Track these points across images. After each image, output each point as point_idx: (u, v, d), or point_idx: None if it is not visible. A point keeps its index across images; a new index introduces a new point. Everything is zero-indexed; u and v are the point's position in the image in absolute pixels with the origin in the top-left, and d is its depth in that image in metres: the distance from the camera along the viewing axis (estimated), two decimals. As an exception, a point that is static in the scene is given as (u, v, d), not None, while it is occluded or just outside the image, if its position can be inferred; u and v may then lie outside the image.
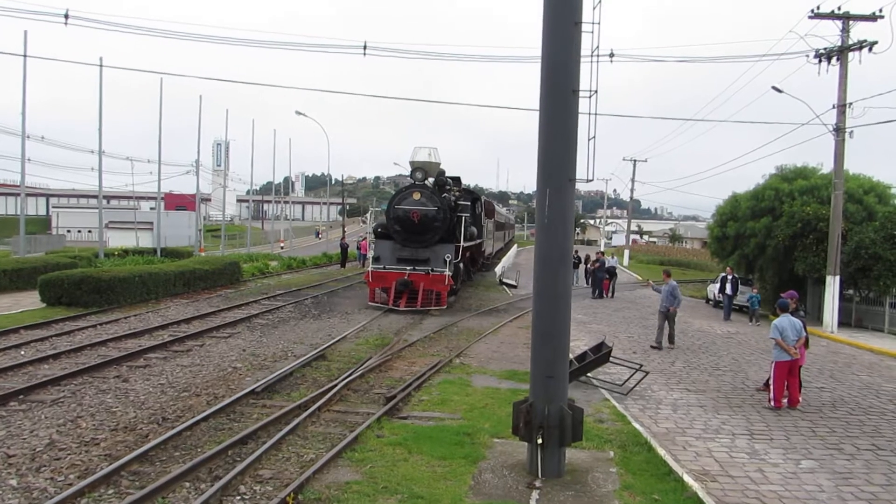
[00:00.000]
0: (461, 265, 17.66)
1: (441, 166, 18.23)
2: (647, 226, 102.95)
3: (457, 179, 21.11)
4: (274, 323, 13.48)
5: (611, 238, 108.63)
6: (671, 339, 12.02)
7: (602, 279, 21.48)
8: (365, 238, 29.50)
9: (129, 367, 9.23)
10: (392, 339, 12.19)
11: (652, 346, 11.92)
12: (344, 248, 29.83)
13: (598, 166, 5.77)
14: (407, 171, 18.20)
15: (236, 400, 7.64)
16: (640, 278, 33.05)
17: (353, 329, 12.98)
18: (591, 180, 5.62)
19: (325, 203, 78.96)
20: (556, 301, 5.67)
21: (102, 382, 8.41)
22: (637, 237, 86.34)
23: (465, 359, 10.73)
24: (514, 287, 24.27)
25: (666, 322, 12.00)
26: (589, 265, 24.54)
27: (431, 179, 18.15)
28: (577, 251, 25.28)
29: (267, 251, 41.02)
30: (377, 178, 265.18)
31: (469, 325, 14.35)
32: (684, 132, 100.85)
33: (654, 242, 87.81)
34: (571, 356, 9.25)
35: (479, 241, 21.98)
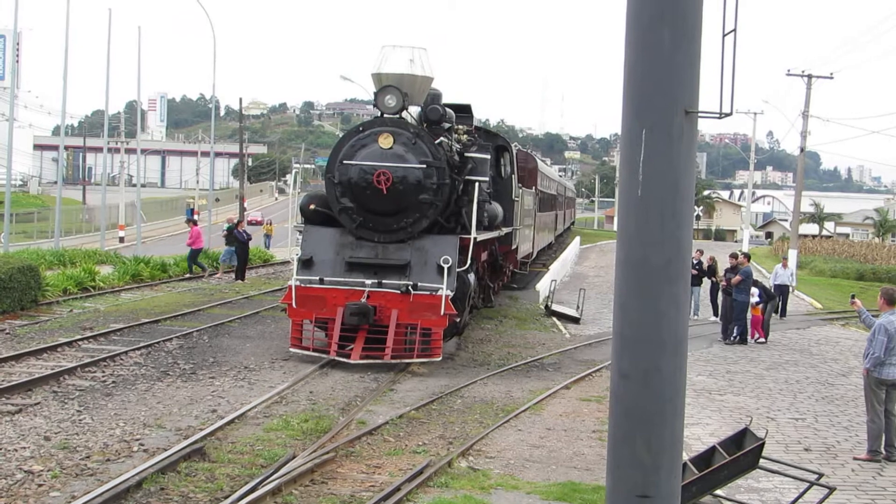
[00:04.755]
0: (472, 276, 17.72)
1: (434, 84, 18.28)
2: (833, 203, 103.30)
3: (463, 110, 21.17)
4: (105, 386, 13.54)
5: (764, 226, 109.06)
6: (889, 444, 11.91)
7: (745, 307, 21.54)
8: (237, 222, 29.98)
9: None
10: (336, 419, 12.26)
11: (860, 458, 11.81)
12: (242, 240, 29.97)
13: (739, 89, 5.76)
14: (363, 91, 18.23)
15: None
16: (819, 305, 33.16)
17: (261, 400, 13.03)
18: (726, 114, 5.61)
19: (205, 153, 79.04)
20: (657, 351, 5.66)
21: None
22: (809, 226, 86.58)
23: (479, 460, 10.78)
24: (575, 321, 24.34)
25: (885, 399, 11.85)
26: (718, 279, 24.64)
27: (416, 110, 18.16)
28: (698, 254, 25.35)
29: (93, 245, 41.06)
30: (308, 105, 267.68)
31: (486, 395, 14.41)
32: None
33: (847, 236, 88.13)
34: (687, 457, 9.22)
35: (506, 229, 22.03)
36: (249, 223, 35.77)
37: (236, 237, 30.09)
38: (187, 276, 29.56)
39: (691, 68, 5.47)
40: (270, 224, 50.21)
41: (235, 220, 33.12)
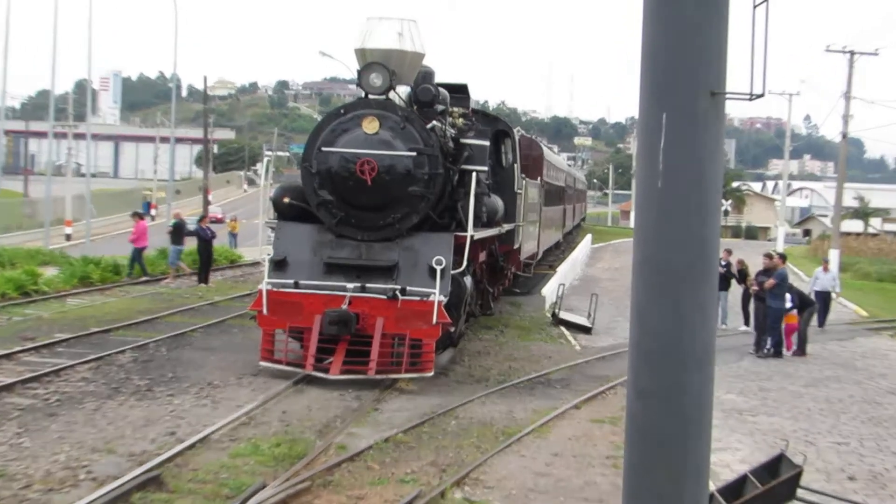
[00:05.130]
0: (469, 279, 17.72)
1: (426, 61, 18.27)
2: (880, 197, 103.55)
3: (459, 90, 21.17)
4: (49, 405, 13.50)
5: (801, 223, 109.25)
6: None
7: (780, 315, 21.57)
8: (200, 217, 29.98)
9: None
10: (312, 443, 12.26)
11: None
12: (206, 238, 30.00)
13: (772, 67, 5.76)
14: (345, 69, 18.21)
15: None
16: (864, 313, 33.22)
17: (227, 421, 13.01)
18: (758, 95, 5.61)
19: (164, 139, 78.95)
20: (680, 365, 5.66)
21: None
22: (853, 222, 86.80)
23: (476, 490, 10.78)
24: (586, 331, 24.35)
25: None
26: (749, 284, 24.68)
27: (405, 90, 18.18)
28: (725, 254, 25.36)
29: (36, 243, 41.00)
30: (282, 85, 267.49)
31: (484, 415, 14.41)
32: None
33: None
34: (715, 487, 9.23)
35: (507, 226, 22.03)
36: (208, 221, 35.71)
37: (198, 234, 30.10)
38: (143, 278, 29.54)
39: (718, 44, 5.47)
40: (236, 220, 50.27)
41: (183, 217, 33.07)
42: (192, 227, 32.27)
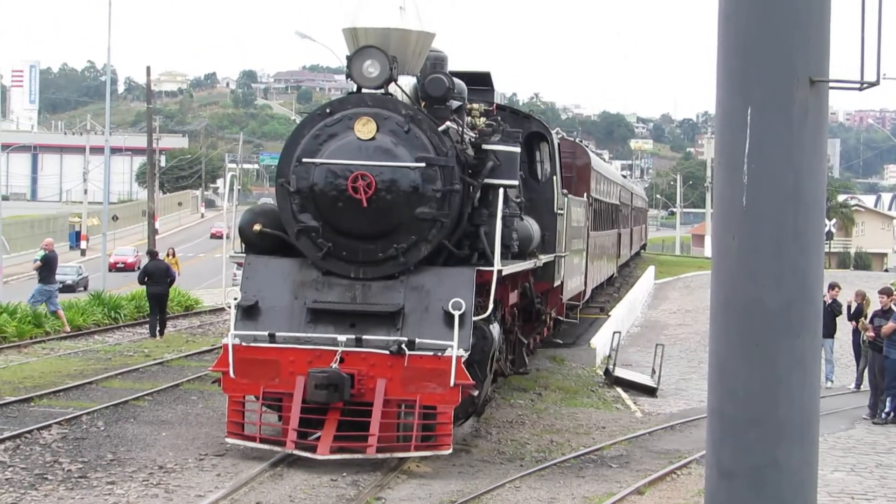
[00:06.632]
0: (496, 328, 17.73)
1: (438, 44, 18.38)
2: None
3: (480, 81, 21.29)
4: (-47, 498, 13.47)
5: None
6: None
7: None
8: (153, 252, 30.18)
9: None
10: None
11: None
12: (167, 274, 30.34)
13: (888, 48, 5.80)
14: (330, 55, 18.22)
15: None
16: None
17: (184, 516, 12.99)
18: (870, 84, 5.68)
19: (97, 149, 79.18)
20: (774, 437, 5.69)
21: None
22: None
23: None
24: (650, 392, 24.32)
25: None
26: (863, 328, 24.60)
27: (411, 80, 18.27)
28: (834, 292, 25.31)
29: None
30: (248, 77, 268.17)
31: (519, 504, 14.37)
32: None
33: None
34: None
35: (545, 257, 22.06)
36: (113, 267, 35.37)
37: (167, 272, 30.53)
38: (71, 332, 29.64)
39: (818, 19, 5.52)
40: (174, 255, 50.50)
41: (54, 249, 33.26)
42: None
